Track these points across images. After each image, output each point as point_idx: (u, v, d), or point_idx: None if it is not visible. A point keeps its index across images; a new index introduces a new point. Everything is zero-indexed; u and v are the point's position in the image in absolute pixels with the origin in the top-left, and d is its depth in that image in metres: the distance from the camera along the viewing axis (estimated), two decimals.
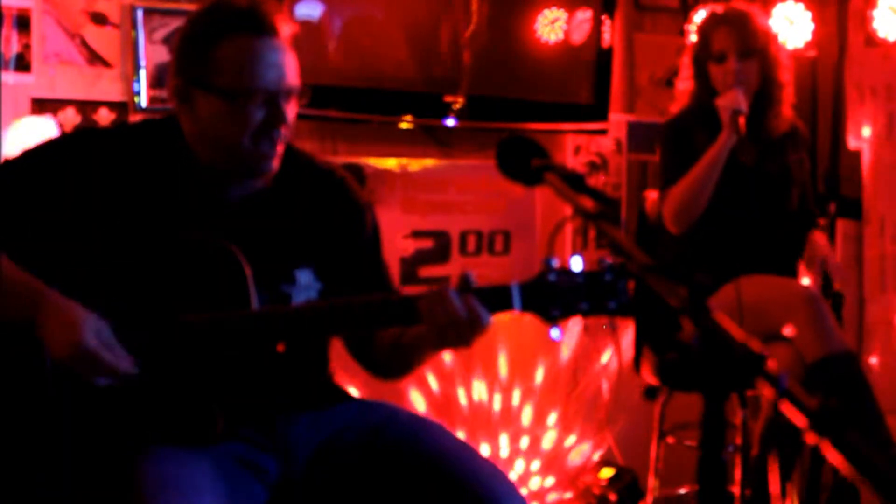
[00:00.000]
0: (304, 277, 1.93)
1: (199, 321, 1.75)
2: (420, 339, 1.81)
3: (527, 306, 1.69)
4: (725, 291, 2.93)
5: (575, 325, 3.81)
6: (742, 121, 3.00)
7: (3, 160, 1.96)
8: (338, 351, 2.07)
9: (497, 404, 3.71)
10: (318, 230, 1.98)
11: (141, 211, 1.85)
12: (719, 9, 3.19)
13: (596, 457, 3.88)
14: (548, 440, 3.82)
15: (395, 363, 1.99)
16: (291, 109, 1.88)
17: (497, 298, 1.69)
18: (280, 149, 1.89)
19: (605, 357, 3.89)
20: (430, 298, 1.70)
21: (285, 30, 1.87)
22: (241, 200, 1.92)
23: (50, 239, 1.82)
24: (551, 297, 1.67)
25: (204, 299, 1.77)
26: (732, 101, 3.03)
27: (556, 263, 1.68)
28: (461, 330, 1.69)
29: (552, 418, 3.82)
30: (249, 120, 1.83)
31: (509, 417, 3.75)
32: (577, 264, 1.68)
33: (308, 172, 2.02)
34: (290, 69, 1.86)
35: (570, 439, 3.86)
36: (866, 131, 4.04)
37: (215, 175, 1.89)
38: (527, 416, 3.78)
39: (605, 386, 3.86)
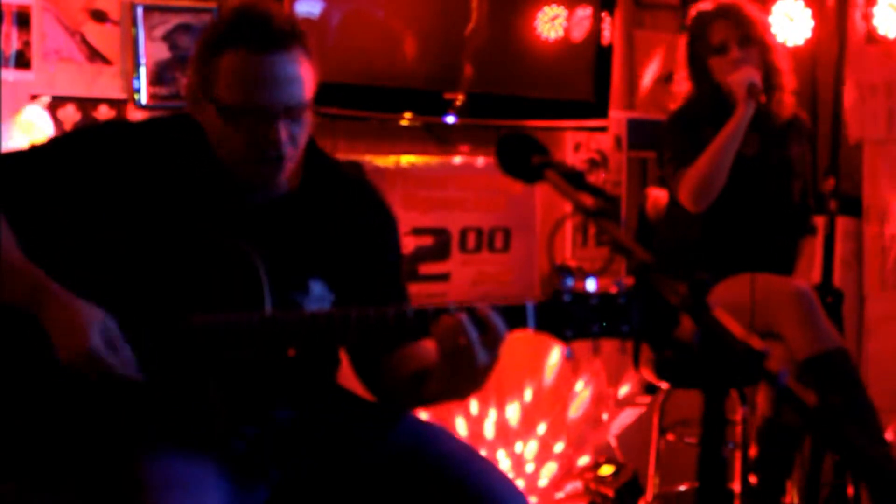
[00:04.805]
0: (318, 288, 1.89)
1: (209, 322, 1.73)
2: (434, 367, 1.74)
3: (541, 326, 1.68)
4: (720, 289, 2.93)
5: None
6: (759, 91, 3.02)
7: (30, 146, 1.95)
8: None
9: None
10: (341, 238, 1.93)
11: (161, 207, 1.83)
12: (708, 5, 3.20)
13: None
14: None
15: (404, 394, 1.90)
16: (295, 127, 1.82)
17: (511, 316, 1.68)
18: (289, 165, 1.85)
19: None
20: (447, 319, 1.66)
21: (299, 43, 1.80)
22: (262, 204, 1.89)
23: (67, 230, 1.82)
24: (565, 318, 1.67)
25: (217, 301, 1.75)
26: (745, 74, 3.04)
27: (571, 284, 1.68)
28: (476, 349, 1.64)
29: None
30: (241, 137, 1.81)
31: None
32: (591, 286, 1.68)
33: (335, 178, 1.98)
34: (295, 87, 1.79)
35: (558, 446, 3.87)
36: (866, 129, 4.04)
37: (237, 177, 1.87)
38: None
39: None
